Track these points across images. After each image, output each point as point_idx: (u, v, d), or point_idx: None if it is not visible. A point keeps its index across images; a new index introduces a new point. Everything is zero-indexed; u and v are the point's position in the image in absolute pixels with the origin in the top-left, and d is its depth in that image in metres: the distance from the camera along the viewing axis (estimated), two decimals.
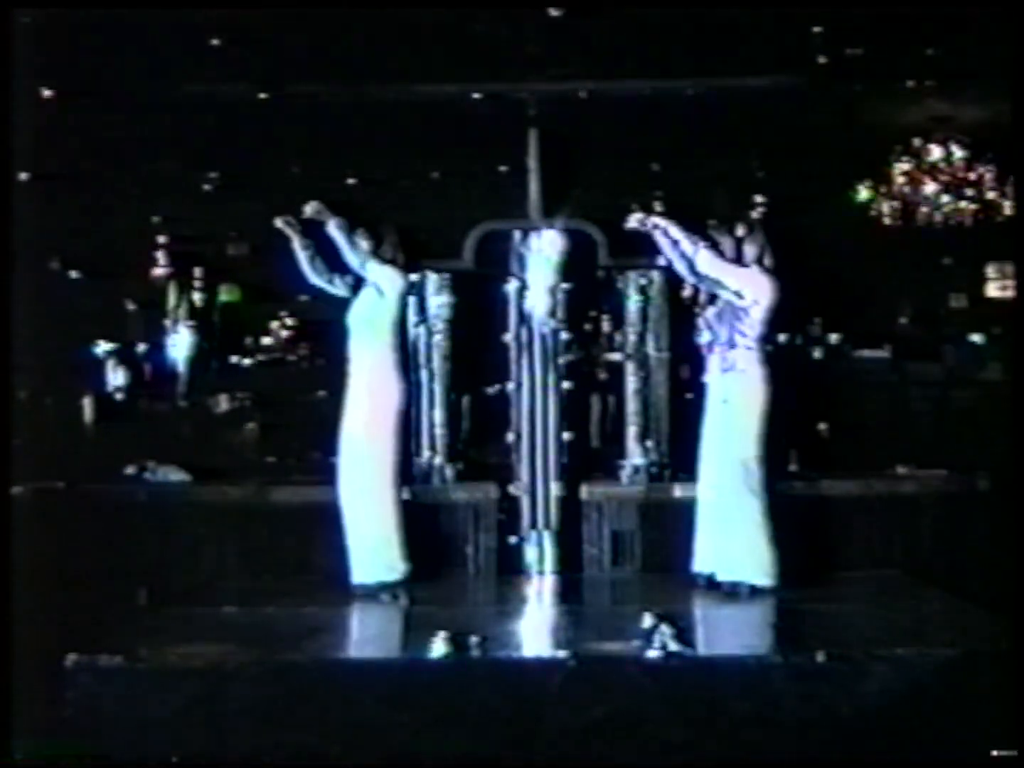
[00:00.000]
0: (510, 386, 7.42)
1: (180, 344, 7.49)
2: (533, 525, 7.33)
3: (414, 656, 5.56)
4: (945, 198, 7.32)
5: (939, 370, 7.64)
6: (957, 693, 5.10)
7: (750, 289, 6.67)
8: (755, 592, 6.54)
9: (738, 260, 6.77)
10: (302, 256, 7.03)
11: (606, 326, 7.56)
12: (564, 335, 7.41)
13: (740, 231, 6.83)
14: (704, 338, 6.85)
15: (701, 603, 6.45)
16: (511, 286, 7.42)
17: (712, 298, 6.88)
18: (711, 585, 6.67)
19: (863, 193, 7.42)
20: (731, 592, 6.58)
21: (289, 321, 7.55)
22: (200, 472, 7.48)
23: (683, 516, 7.06)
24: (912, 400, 7.59)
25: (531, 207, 7.49)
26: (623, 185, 7.55)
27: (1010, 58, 6.57)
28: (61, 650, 5.25)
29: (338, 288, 7.04)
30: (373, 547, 6.77)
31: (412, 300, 7.24)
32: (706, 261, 6.75)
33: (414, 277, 7.25)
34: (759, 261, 6.75)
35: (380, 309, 6.90)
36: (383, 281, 6.92)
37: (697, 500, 6.81)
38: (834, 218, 7.42)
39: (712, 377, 6.75)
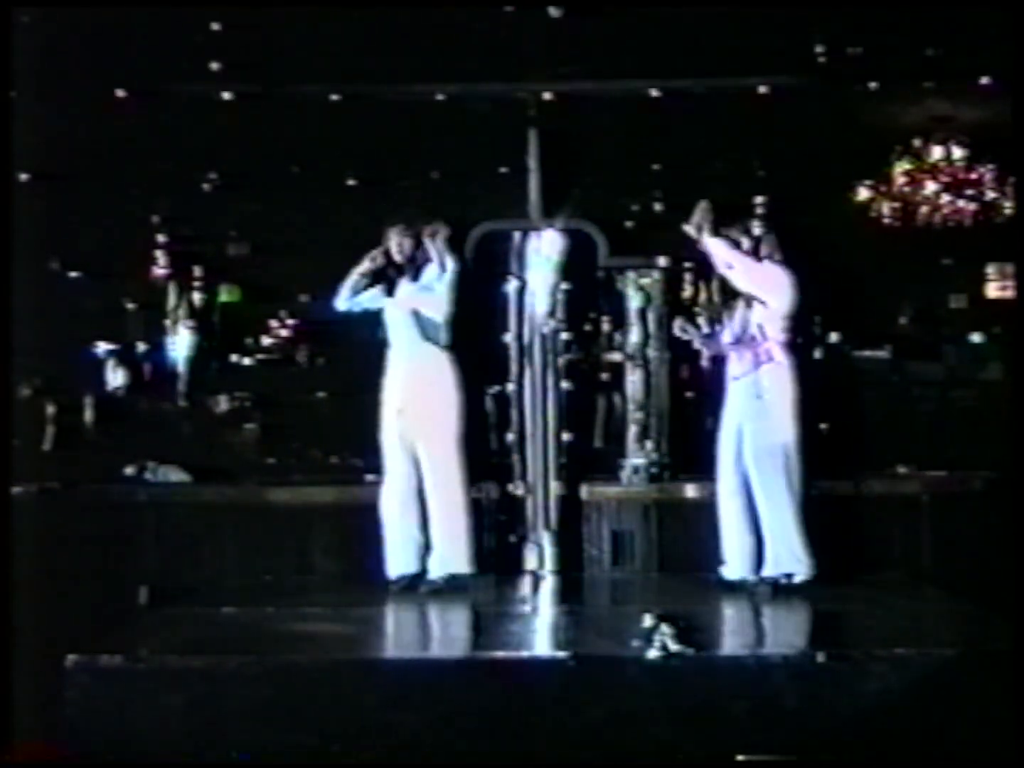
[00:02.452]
0: (510, 386, 7.42)
1: (180, 344, 7.48)
2: (533, 525, 7.33)
3: (414, 656, 5.56)
4: (945, 198, 7.32)
5: (939, 370, 7.63)
6: (957, 693, 5.10)
7: (775, 290, 6.69)
8: (778, 591, 6.54)
9: (755, 258, 6.78)
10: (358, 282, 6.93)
11: (606, 326, 7.55)
12: (564, 335, 7.40)
13: (758, 230, 6.83)
14: (725, 337, 6.84)
15: (702, 603, 6.44)
16: (511, 286, 7.42)
17: (733, 296, 6.87)
18: (727, 584, 6.67)
19: (863, 193, 7.42)
20: (754, 592, 6.58)
21: (289, 321, 7.54)
22: (200, 472, 7.48)
23: (684, 516, 7.07)
24: (912, 400, 7.59)
25: (531, 207, 7.48)
26: (623, 185, 7.55)
27: (1010, 58, 6.58)
28: (61, 650, 5.24)
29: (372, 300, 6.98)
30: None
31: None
32: (737, 279, 6.76)
33: None
34: (771, 257, 6.76)
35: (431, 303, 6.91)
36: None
37: (720, 502, 6.78)
38: (834, 218, 7.42)
39: (741, 374, 6.71)
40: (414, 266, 6.94)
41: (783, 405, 6.64)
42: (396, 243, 6.94)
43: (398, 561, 6.81)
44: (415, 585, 6.74)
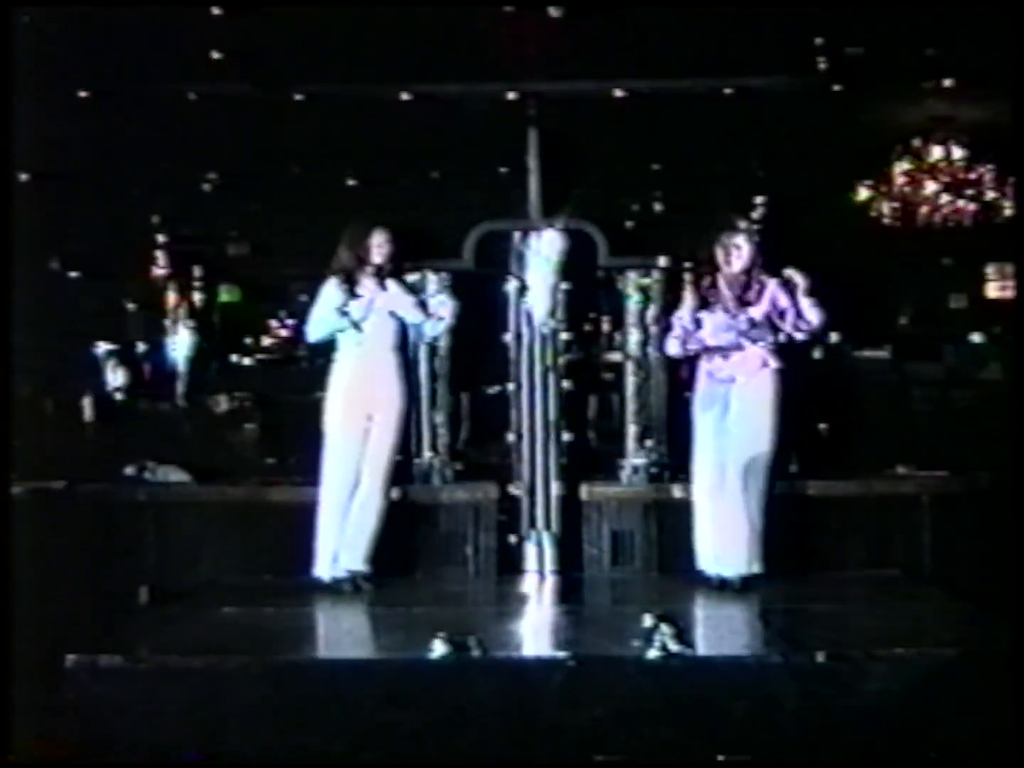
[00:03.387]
0: (510, 386, 7.42)
1: (180, 344, 7.49)
2: (533, 525, 7.34)
3: (414, 656, 5.56)
4: (945, 198, 7.32)
5: (939, 370, 7.64)
6: (957, 693, 5.10)
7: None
8: (748, 583, 6.58)
9: (754, 264, 6.80)
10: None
11: (606, 326, 7.56)
12: (564, 335, 7.41)
13: (757, 237, 6.86)
14: (707, 336, 6.85)
15: (701, 603, 6.45)
16: (511, 286, 7.42)
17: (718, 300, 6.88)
18: (723, 585, 6.68)
19: (863, 193, 7.42)
20: (726, 586, 6.61)
21: (289, 321, 7.55)
22: (200, 472, 7.48)
23: (683, 516, 7.06)
24: (912, 400, 7.59)
25: (531, 207, 7.49)
26: (623, 185, 7.55)
27: (1010, 58, 6.58)
28: (61, 650, 5.24)
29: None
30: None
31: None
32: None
33: (414, 277, 7.24)
34: (757, 264, 6.80)
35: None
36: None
37: (698, 499, 6.80)
38: (834, 218, 7.42)
39: (730, 378, 6.72)
40: (388, 270, 6.96)
41: (767, 409, 6.66)
42: (379, 244, 6.93)
43: (331, 563, 6.79)
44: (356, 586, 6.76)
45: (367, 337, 6.86)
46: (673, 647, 5.16)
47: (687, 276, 7.10)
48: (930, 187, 7.33)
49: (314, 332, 6.97)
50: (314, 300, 6.92)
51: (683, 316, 6.89)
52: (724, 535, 6.66)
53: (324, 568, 6.78)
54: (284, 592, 6.70)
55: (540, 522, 7.33)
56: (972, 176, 7.31)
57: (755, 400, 6.68)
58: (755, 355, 6.72)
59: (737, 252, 6.80)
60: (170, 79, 7.27)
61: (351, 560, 6.78)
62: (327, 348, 7.42)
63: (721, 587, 6.66)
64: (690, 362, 7.18)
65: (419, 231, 7.29)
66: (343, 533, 6.77)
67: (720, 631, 6.14)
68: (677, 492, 7.21)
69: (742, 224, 6.96)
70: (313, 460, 7.22)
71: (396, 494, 7.00)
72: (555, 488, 7.33)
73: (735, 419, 6.70)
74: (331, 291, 6.86)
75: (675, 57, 7.14)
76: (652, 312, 7.41)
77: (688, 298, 6.92)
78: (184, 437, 7.57)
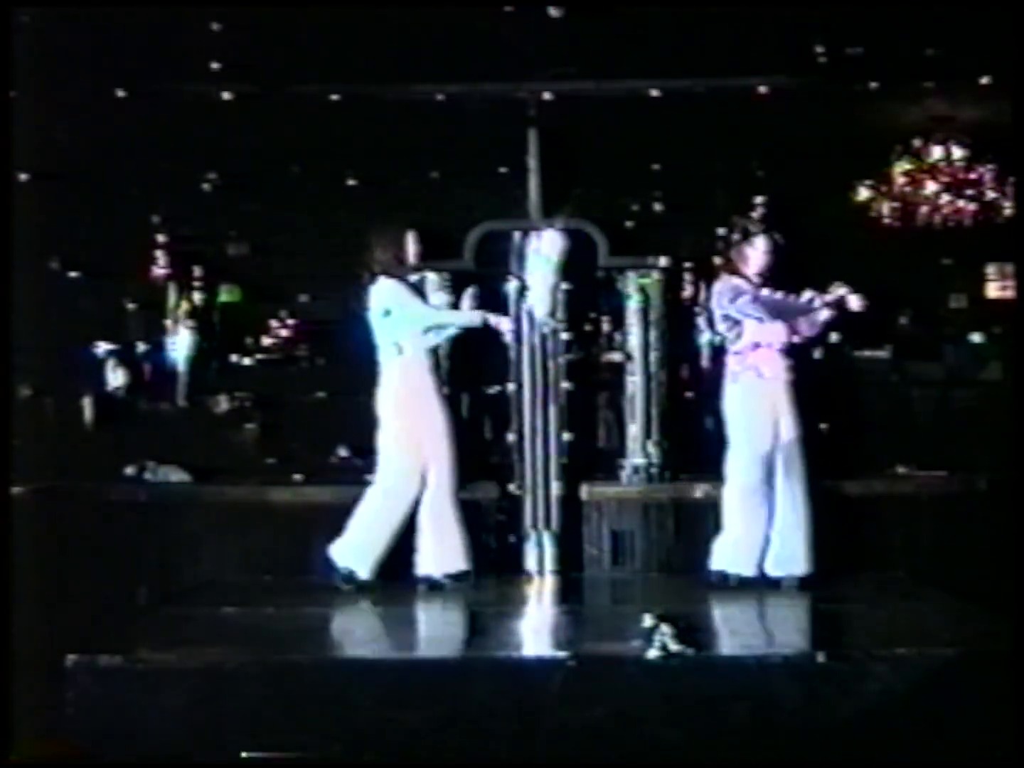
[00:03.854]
0: (510, 386, 7.42)
1: (180, 344, 7.48)
2: (533, 525, 7.33)
3: (414, 656, 5.56)
4: (945, 198, 7.32)
5: (939, 370, 7.64)
6: (957, 693, 5.10)
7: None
8: (805, 582, 6.65)
9: (775, 265, 6.81)
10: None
11: (606, 326, 7.56)
12: (564, 335, 7.40)
13: (778, 236, 6.86)
14: (755, 337, 6.83)
15: (702, 603, 6.45)
16: (511, 286, 7.42)
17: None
18: (724, 583, 6.69)
19: (863, 193, 7.42)
20: (777, 585, 6.66)
21: (289, 321, 7.55)
22: (200, 472, 7.48)
23: (684, 516, 7.07)
24: (912, 400, 7.59)
25: (531, 207, 7.49)
26: (623, 185, 7.55)
27: (1010, 58, 6.59)
28: (61, 650, 5.25)
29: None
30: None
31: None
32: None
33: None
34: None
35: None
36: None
37: (735, 498, 6.79)
38: (834, 218, 7.42)
39: (773, 374, 6.74)
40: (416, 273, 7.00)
41: (798, 406, 6.71)
42: (413, 245, 6.96)
43: (374, 565, 6.81)
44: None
45: (408, 350, 6.85)
46: (673, 647, 5.17)
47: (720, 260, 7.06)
48: (930, 187, 7.32)
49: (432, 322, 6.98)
50: (395, 306, 6.84)
51: (736, 283, 6.83)
52: (779, 534, 6.68)
53: (363, 568, 6.77)
54: (284, 592, 6.70)
55: (540, 522, 7.33)
56: (972, 176, 7.30)
57: (797, 398, 6.74)
58: (784, 354, 6.76)
59: (759, 255, 6.79)
60: (170, 79, 7.28)
61: (441, 566, 6.83)
62: (326, 348, 7.46)
63: (722, 586, 6.67)
64: (692, 361, 7.21)
65: (420, 231, 7.27)
66: (429, 541, 6.82)
67: (720, 631, 6.14)
68: (677, 492, 7.22)
69: (763, 226, 6.94)
70: (313, 460, 7.25)
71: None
72: (555, 488, 7.33)
73: (789, 417, 6.74)
74: (398, 289, 6.84)
75: (675, 57, 7.15)
76: (652, 312, 7.41)
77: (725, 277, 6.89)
78: (184, 437, 7.56)
